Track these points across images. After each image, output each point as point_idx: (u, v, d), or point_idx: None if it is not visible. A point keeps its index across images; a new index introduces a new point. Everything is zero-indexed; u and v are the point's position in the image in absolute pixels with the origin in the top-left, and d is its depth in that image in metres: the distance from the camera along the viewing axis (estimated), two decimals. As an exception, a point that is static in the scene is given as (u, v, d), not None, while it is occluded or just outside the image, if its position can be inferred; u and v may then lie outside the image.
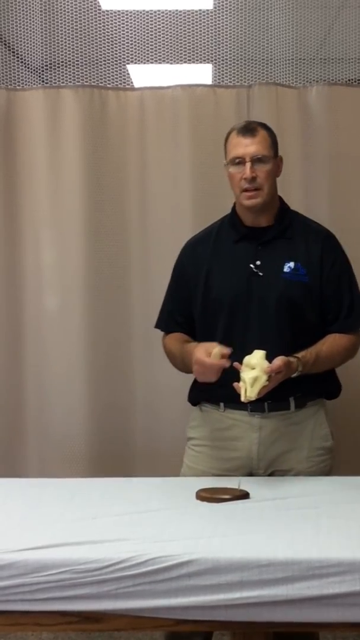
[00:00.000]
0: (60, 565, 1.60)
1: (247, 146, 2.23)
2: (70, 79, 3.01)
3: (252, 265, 2.26)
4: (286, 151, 2.98)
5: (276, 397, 2.12)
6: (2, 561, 1.61)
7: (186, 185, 2.99)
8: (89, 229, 3.01)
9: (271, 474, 2.28)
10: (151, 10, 3.00)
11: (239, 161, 2.23)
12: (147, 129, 3.02)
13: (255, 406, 2.23)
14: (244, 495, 2.00)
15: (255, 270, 2.26)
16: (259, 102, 2.98)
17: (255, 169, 2.22)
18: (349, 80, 3.04)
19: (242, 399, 2.04)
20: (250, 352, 2.09)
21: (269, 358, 2.07)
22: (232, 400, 2.17)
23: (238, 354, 2.12)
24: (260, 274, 2.26)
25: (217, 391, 2.22)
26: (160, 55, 3.00)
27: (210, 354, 2.09)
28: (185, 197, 2.98)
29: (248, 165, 2.22)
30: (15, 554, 1.62)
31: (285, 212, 2.37)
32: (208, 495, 1.99)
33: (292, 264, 2.26)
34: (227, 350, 2.09)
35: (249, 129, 2.27)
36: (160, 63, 3.02)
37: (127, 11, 2.99)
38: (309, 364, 2.19)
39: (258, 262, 2.27)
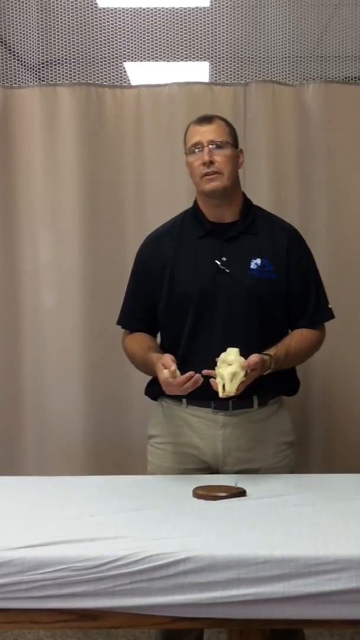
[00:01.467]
0: (57, 563, 1.60)
1: (204, 133, 2.26)
2: (66, 76, 3.00)
3: (217, 262, 2.25)
4: (283, 148, 3.00)
5: (240, 396, 2.12)
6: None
7: (183, 183, 2.98)
8: (86, 227, 3.01)
9: (238, 472, 2.27)
10: (148, 8, 2.99)
11: (198, 149, 2.25)
12: (144, 126, 3.02)
13: (219, 404, 2.24)
14: (241, 493, 2.00)
15: (221, 267, 2.25)
16: (256, 99, 2.98)
17: (213, 153, 2.23)
18: (345, 78, 3.04)
19: (221, 394, 2.04)
20: (216, 350, 2.10)
21: (240, 355, 2.07)
22: (195, 397, 2.19)
23: (204, 351, 2.15)
24: (227, 270, 2.25)
25: None
26: (156, 53, 3.00)
27: (172, 371, 2.08)
28: (182, 195, 2.97)
29: (206, 149, 2.23)
30: (12, 552, 1.63)
31: (249, 207, 2.37)
32: (205, 493, 2.00)
33: (258, 261, 2.26)
34: (170, 367, 2.08)
35: (206, 117, 2.31)
36: (156, 60, 3.02)
37: (123, 9, 2.99)
38: (280, 360, 2.21)
39: (224, 259, 2.26)
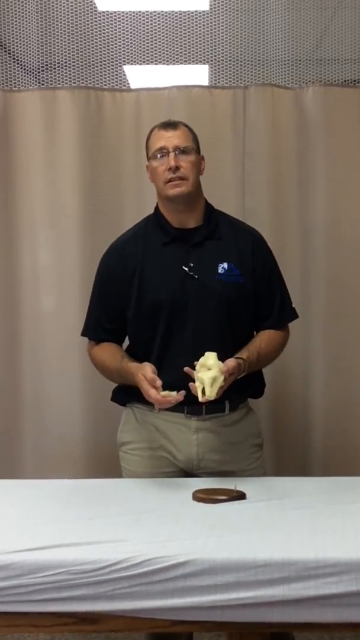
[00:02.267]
0: (56, 567, 1.60)
1: (169, 138, 2.26)
2: (66, 80, 3.01)
3: (185, 268, 2.25)
4: (282, 151, 3.00)
5: (213, 400, 2.11)
6: (-1, 562, 1.61)
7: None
8: (85, 230, 3.01)
9: (212, 475, 2.26)
10: (147, 12, 3.00)
11: (162, 154, 2.25)
12: (143, 129, 2.98)
13: (192, 409, 2.24)
14: (240, 496, 2.00)
15: (189, 272, 2.25)
16: (255, 102, 2.98)
17: (179, 159, 2.23)
18: (344, 81, 3.04)
19: (200, 399, 2.04)
20: (188, 356, 2.10)
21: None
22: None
23: (177, 357, 2.15)
24: (195, 276, 2.25)
25: None
26: (156, 56, 3.00)
27: (153, 381, 2.08)
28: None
29: (172, 155, 2.23)
30: (11, 555, 1.62)
31: (211, 212, 2.37)
32: (204, 496, 1.99)
33: (225, 265, 2.27)
34: (157, 384, 2.08)
35: (170, 123, 2.31)
36: (156, 64, 3.02)
37: (123, 12, 2.99)
38: (252, 364, 2.22)
39: (191, 264, 2.26)
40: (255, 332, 2.37)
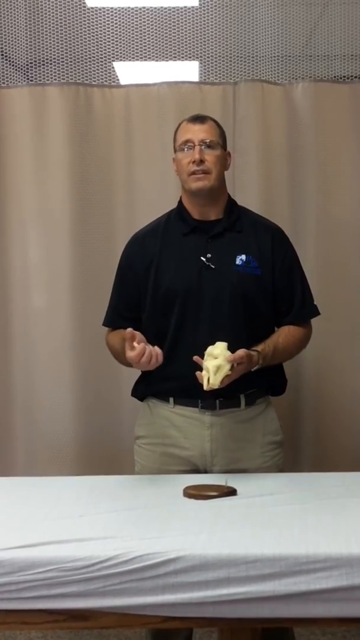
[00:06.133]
0: (47, 564, 1.60)
1: (196, 131, 2.27)
2: (55, 76, 3.00)
3: (203, 258, 2.26)
4: (272, 147, 3.01)
5: (227, 395, 2.11)
6: (-11, 560, 1.61)
7: (172, 182, 2.98)
8: (75, 227, 3.00)
9: (226, 471, 2.26)
10: (137, 7, 2.99)
11: (188, 146, 2.26)
12: (133, 126, 3.01)
13: (206, 403, 2.24)
14: (231, 492, 2.00)
15: (207, 263, 2.26)
16: (245, 98, 2.98)
17: (204, 152, 2.24)
18: (334, 77, 3.04)
19: (205, 387, 2.04)
20: (202, 345, 2.10)
21: (228, 350, 2.07)
22: (182, 395, 2.21)
23: (190, 347, 2.14)
24: (213, 266, 2.25)
25: (166, 386, 2.22)
26: (146, 52, 2.99)
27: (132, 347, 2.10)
28: (172, 194, 2.96)
29: (197, 148, 2.25)
30: (2, 553, 1.62)
31: (233, 206, 2.38)
32: (195, 493, 1.99)
33: (243, 257, 2.27)
34: (137, 337, 2.10)
35: (198, 117, 2.32)
36: (146, 60, 3.01)
37: (112, 8, 2.98)
38: (268, 357, 2.21)
39: (209, 255, 2.27)
40: (276, 329, 2.35)
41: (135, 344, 2.10)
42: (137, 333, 2.12)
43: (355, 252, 3.04)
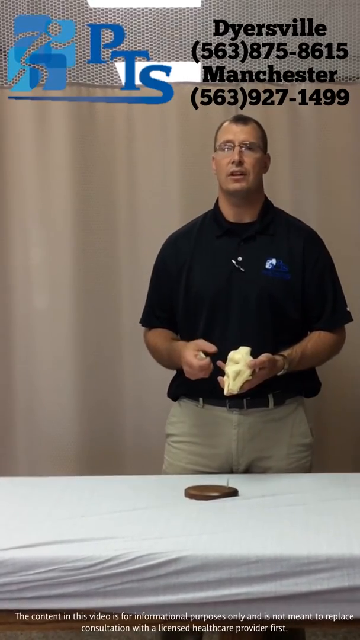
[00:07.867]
0: (48, 564, 1.60)
1: (237, 132, 2.27)
2: (57, 76, 2.99)
3: (233, 261, 2.26)
4: (274, 148, 2.97)
5: (255, 394, 2.12)
6: (-10, 560, 1.61)
7: (175, 182, 2.99)
8: (77, 228, 3.00)
9: (251, 471, 2.28)
10: (139, 8, 2.99)
11: (228, 147, 2.26)
12: (135, 126, 3.01)
13: (234, 402, 2.24)
14: (233, 493, 2.00)
15: (237, 266, 2.26)
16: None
17: (243, 154, 2.24)
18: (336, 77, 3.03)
19: (225, 392, 2.05)
20: (230, 348, 2.10)
21: (252, 355, 2.07)
22: (211, 395, 2.21)
23: (218, 350, 2.14)
24: (242, 270, 2.26)
25: (196, 386, 2.22)
26: (148, 53, 2.99)
27: (197, 353, 2.12)
28: (174, 195, 2.98)
29: (237, 149, 2.25)
30: (3, 553, 1.62)
31: (269, 208, 2.37)
32: (197, 493, 2.00)
33: (274, 261, 2.27)
34: (211, 349, 2.12)
35: (240, 118, 2.32)
36: (148, 61, 3.01)
37: (114, 9, 2.98)
38: (294, 362, 2.20)
39: (240, 258, 2.27)
40: (309, 333, 2.34)
41: (202, 354, 2.12)
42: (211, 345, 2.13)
43: (355, 252, 3.04)
